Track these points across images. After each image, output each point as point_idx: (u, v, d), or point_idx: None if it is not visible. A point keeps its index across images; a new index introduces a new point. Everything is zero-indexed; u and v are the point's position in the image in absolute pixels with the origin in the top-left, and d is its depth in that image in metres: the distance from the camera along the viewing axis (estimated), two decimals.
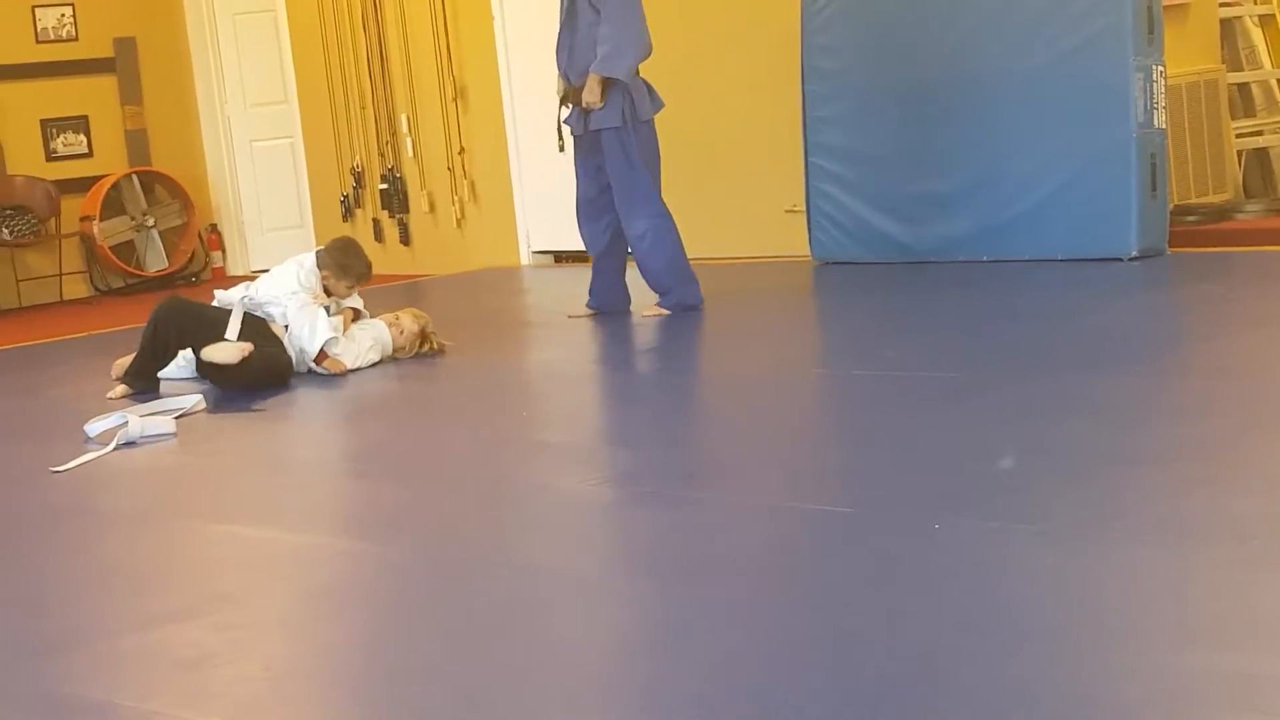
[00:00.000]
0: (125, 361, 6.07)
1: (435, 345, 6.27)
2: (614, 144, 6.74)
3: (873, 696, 2.52)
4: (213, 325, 5.92)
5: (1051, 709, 2.43)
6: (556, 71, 6.95)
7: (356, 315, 6.23)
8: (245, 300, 6.04)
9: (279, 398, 5.78)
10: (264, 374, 5.82)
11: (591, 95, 6.66)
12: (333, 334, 6.00)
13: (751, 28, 8.23)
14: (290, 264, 6.19)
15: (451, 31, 9.51)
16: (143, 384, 5.90)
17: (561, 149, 7.03)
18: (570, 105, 6.81)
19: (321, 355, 5.98)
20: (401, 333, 6.20)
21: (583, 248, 7.11)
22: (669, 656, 2.82)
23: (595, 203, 6.88)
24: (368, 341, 6.12)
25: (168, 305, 6.02)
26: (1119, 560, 3.06)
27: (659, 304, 6.83)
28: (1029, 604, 2.90)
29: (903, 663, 2.66)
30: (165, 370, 5.99)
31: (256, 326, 5.97)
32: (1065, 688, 2.50)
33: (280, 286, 6.08)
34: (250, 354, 5.74)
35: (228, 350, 5.75)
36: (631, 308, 6.92)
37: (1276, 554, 3.01)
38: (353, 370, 6.03)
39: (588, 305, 6.99)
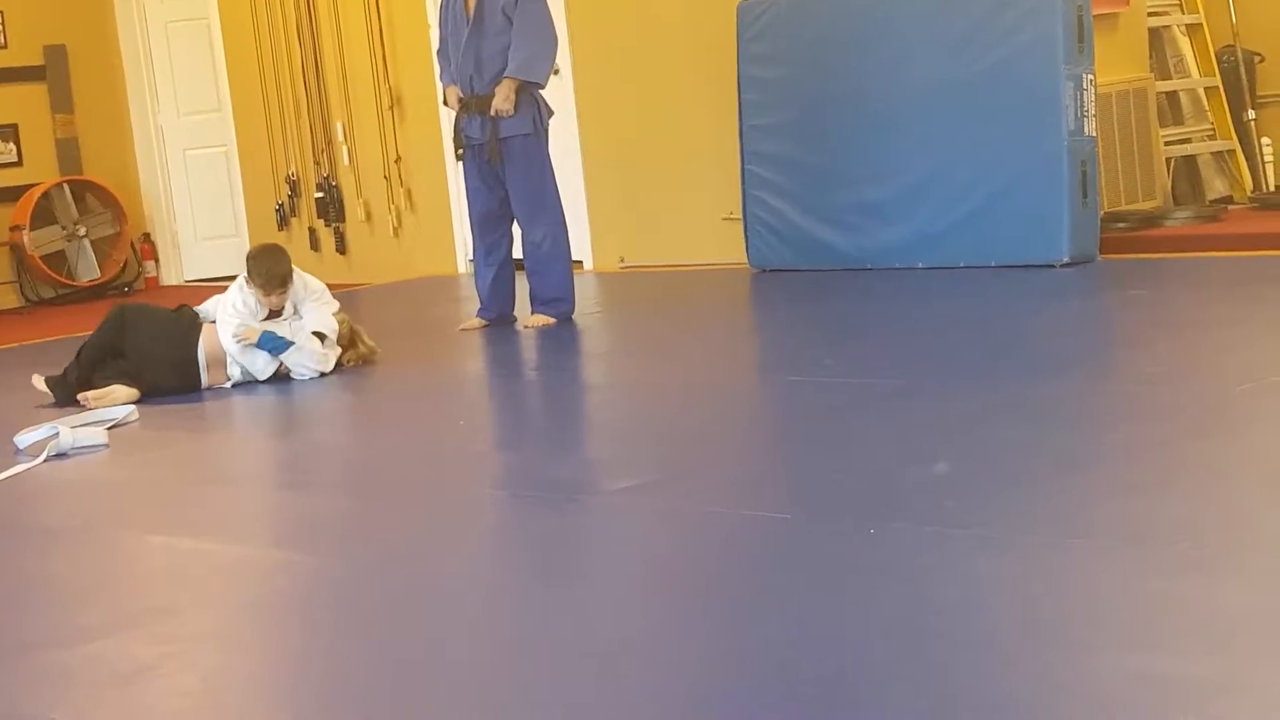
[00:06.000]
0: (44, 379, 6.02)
1: (365, 349, 6.24)
2: (524, 151, 6.71)
3: (809, 702, 2.54)
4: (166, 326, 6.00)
5: (985, 714, 2.46)
6: (442, 82, 6.93)
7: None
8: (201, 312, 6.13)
9: (212, 408, 5.74)
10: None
11: (506, 102, 6.63)
12: (272, 368, 5.97)
13: (688, 36, 8.26)
14: (233, 288, 6.12)
15: (386, 39, 9.48)
16: (65, 395, 5.83)
17: (459, 158, 6.93)
18: (471, 114, 6.75)
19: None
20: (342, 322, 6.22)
21: (519, 255, 7.05)
22: (606, 664, 2.83)
23: (495, 214, 6.86)
24: (325, 317, 6.11)
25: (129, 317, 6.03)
26: (1051, 564, 3.10)
27: (544, 313, 6.80)
28: (963, 608, 2.93)
29: (839, 668, 2.68)
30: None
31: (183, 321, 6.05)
32: (999, 692, 2.53)
33: (224, 310, 6.05)
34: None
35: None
36: (516, 317, 6.92)
37: (1204, 558, 3.06)
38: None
39: (481, 316, 6.96)
